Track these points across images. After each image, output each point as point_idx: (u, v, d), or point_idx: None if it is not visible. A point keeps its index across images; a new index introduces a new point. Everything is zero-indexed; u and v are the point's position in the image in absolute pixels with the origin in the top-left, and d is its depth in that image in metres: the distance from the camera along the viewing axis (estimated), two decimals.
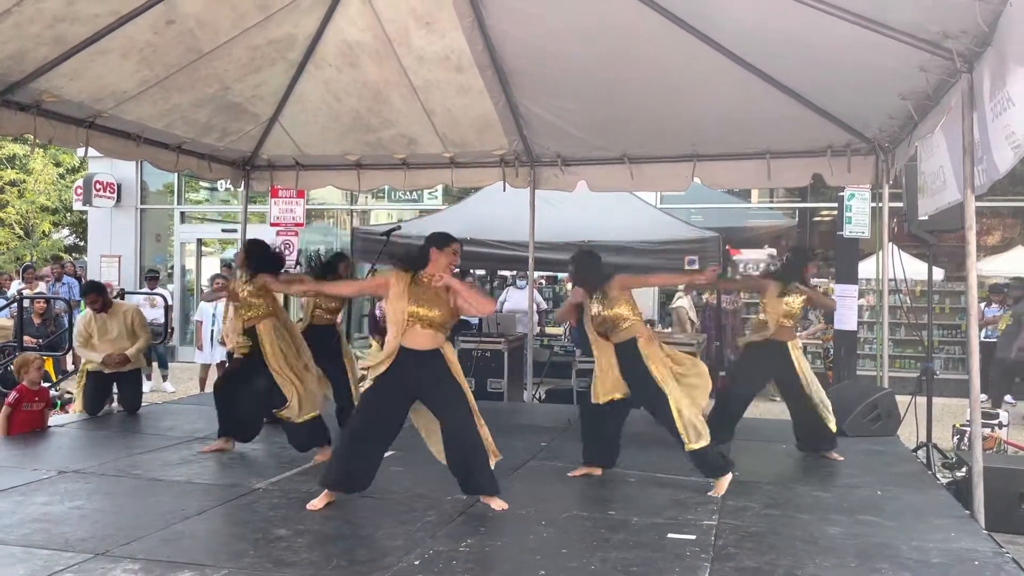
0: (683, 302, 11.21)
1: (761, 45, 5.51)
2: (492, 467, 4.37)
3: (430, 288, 4.29)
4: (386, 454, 5.30)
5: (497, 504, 4.34)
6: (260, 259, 5.47)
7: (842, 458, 5.62)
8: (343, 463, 4.32)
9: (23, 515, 4.09)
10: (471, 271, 12.76)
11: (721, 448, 5.72)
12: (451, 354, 4.38)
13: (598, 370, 4.98)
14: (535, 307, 10.15)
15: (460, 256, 4.48)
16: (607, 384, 4.92)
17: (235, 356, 5.62)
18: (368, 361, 4.37)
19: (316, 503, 4.29)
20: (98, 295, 6.87)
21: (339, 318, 6.65)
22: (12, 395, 6.07)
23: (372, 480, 4.38)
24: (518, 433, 6.44)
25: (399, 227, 8.26)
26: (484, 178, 8.31)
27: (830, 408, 5.67)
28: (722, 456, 4.89)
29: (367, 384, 4.39)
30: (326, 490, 4.34)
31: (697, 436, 4.68)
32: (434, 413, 4.37)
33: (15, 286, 11.82)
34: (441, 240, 4.41)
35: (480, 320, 9.69)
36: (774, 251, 13.76)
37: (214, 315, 10.48)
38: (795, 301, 5.68)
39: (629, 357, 4.85)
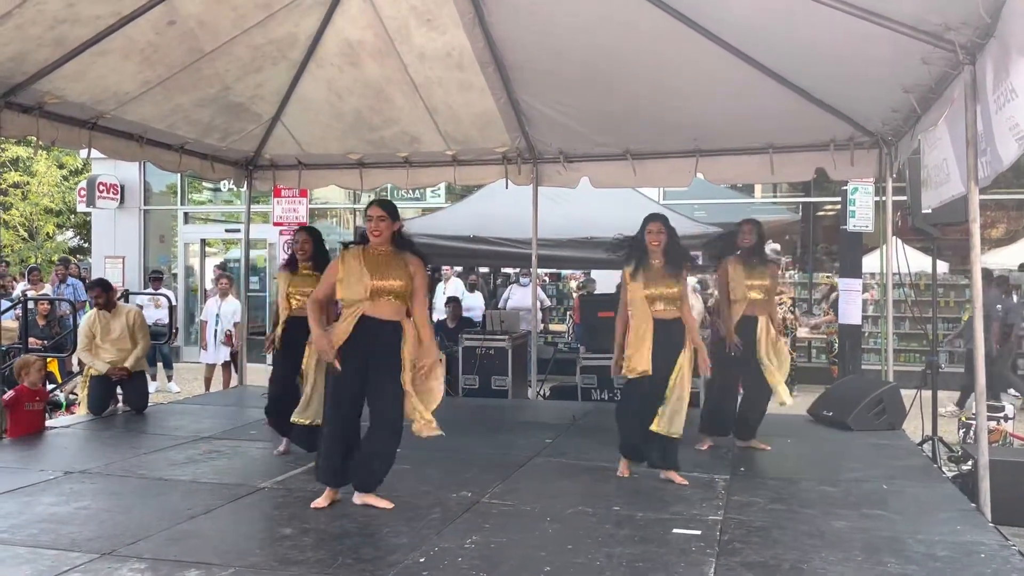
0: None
1: (762, 39, 5.50)
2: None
3: (381, 258, 4.26)
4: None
5: (374, 501, 4.30)
6: (324, 251, 5.55)
7: (769, 447, 5.69)
8: (328, 459, 4.29)
9: (30, 515, 4.10)
10: (475, 268, 12.78)
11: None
12: (410, 329, 4.27)
13: (634, 340, 4.83)
14: (539, 304, 10.14)
15: (382, 220, 4.27)
16: (639, 357, 4.80)
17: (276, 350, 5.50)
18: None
19: (320, 502, 4.28)
20: (103, 291, 6.95)
21: None
22: (10, 394, 6.08)
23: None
24: (522, 430, 6.45)
25: (402, 225, 8.24)
26: (487, 175, 8.31)
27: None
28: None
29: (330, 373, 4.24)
30: (328, 488, 4.34)
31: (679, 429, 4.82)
32: (370, 390, 4.26)
33: (20, 288, 11.85)
34: (365, 212, 4.40)
35: (484, 317, 9.71)
36: (778, 246, 13.73)
37: (218, 315, 10.51)
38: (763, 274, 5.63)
39: (672, 334, 4.80)
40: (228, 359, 10.56)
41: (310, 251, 5.48)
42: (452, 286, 11.93)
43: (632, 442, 4.93)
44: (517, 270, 12.21)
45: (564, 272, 14.32)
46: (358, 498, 4.32)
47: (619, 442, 5.00)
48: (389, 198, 15.20)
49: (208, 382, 10.65)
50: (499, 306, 11.63)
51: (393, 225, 4.31)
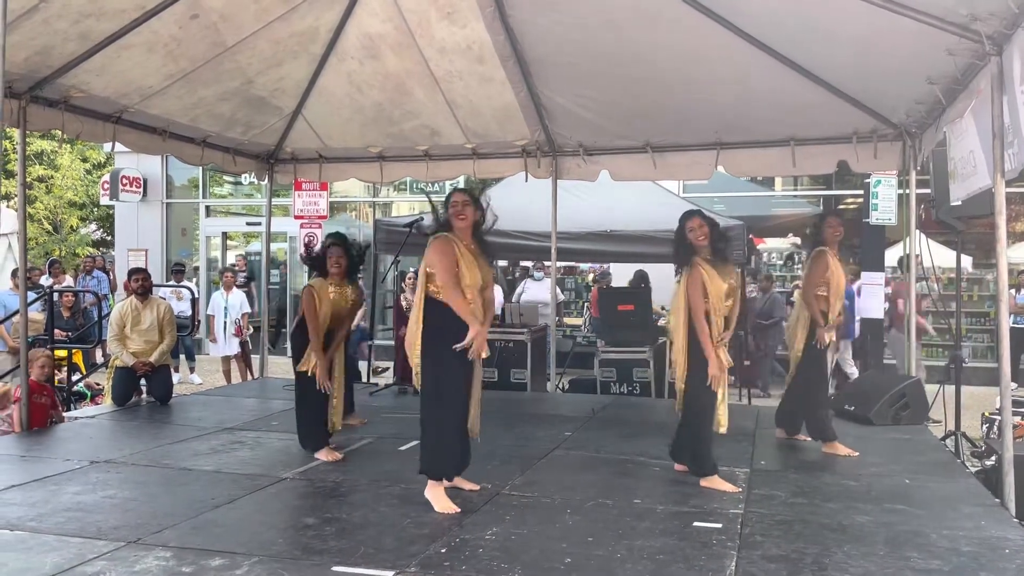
0: None
1: (784, 30, 5.46)
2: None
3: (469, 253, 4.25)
4: (409, 444, 5.36)
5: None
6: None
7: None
8: (451, 450, 4.29)
9: (56, 504, 4.16)
10: (493, 261, 12.76)
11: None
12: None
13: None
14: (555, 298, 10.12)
15: (467, 206, 4.22)
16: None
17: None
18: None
19: (451, 505, 4.14)
20: (148, 276, 7.24)
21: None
22: (18, 390, 6.11)
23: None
24: (542, 423, 6.46)
25: (421, 219, 8.28)
26: (506, 169, 8.31)
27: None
28: None
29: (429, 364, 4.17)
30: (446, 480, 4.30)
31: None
32: (471, 381, 4.34)
33: (44, 281, 11.98)
34: (445, 201, 4.31)
35: (503, 310, 9.71)
36: (799, 240, 13.63)
37: (226, 308, 10.64)
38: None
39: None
40: (239, 350, 10.70)
41: (345, 266, 5.30)
42: None
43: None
44: (532, 264, 12.19)
45: (585, 265, 14.26)
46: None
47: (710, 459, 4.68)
48: (408, 191, 15.23)
49: (227, 375, 10.76)
50: (513, 300, 11.61)
51: (475, 214, 4.26)
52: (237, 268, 13.30)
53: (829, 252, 5.49)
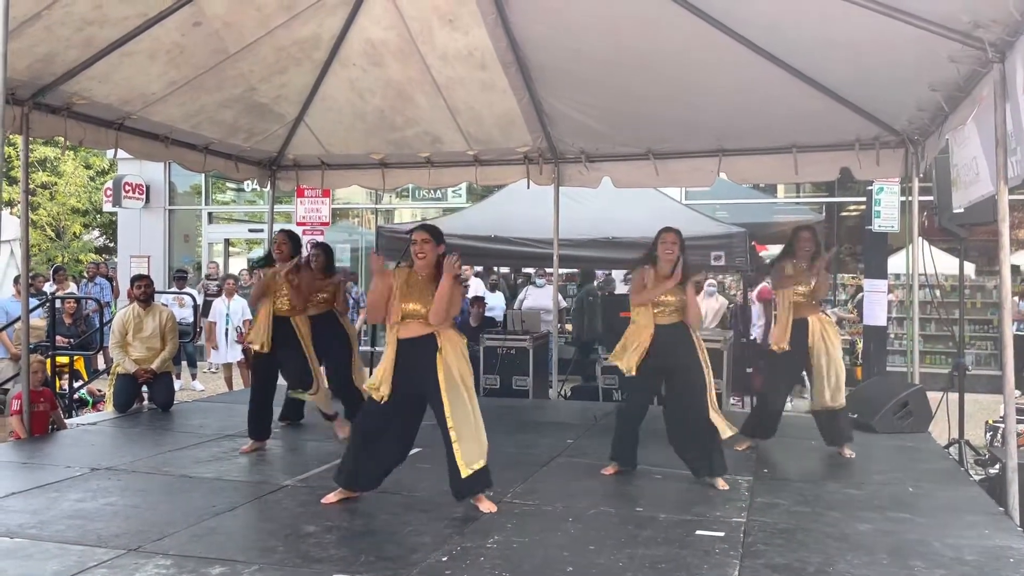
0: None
1: (787, 37, 5.46)
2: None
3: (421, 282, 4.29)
4: (411, 451, 5.35)
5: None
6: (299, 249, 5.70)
7: (853, 454, 5.55)
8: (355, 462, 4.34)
9: (57, 511, 4.15)
10: (495, 268, 12.77)
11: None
12: (448, 342, 4.21)
13: (632, 340, 4.88)
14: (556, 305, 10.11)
15: (426, 243, 4.35)
16: (636, 356, 4.84)
17: (257, 352, 5.62)
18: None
19: (331, 498, 4.32)
20: (151, 282, 7.26)
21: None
22: (15, 402, 6.11)
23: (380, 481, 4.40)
24: (544, 430, 6.45)
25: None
26: (508, 176, 8.31)
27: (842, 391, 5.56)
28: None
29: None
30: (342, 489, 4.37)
31: (728, 426, 4.79)
32: (432, 407, 4.27)
33: (48, 288, 11.99)
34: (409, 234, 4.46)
35: (505, 317, 9.70)
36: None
37: (228, 315, 10.63)
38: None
39: (678, 337, 4.83)
40: (242, 357, 10.68)
41: (286, 251, 5.59)
42: (472, 286, 11.95)
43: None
44: (533, 271, 12.19)
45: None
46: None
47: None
48: (411, 197, 15.24)
49: (229, 381, 10.75)
50: (515, 307, 11.62)
51: (437, 249, 4.33)
52: (210, 275, 13.26)
53: (788, 263, 5.58)
